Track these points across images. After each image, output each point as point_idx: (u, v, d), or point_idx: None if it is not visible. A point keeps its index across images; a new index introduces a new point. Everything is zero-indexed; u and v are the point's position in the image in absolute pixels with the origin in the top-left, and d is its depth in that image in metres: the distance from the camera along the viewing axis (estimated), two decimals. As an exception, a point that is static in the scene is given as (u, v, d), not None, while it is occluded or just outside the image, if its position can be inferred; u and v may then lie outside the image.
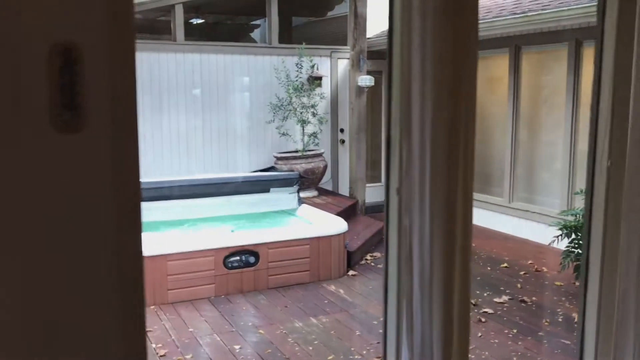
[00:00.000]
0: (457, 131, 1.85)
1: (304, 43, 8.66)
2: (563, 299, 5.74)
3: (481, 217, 8.69)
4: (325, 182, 9.66)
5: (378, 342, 4.85)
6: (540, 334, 5.00)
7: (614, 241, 2.21)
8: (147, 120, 8.54)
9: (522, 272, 6.53)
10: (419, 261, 2.00)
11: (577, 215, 5.71)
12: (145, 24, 10.38)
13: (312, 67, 8.74)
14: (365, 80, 8.37)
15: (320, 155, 8.74)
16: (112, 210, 0.74)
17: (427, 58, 1.38)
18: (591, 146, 1.67)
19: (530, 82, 8.29)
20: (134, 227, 0.77)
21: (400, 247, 1.99)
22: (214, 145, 8.87)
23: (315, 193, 8.68)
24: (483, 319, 5.29)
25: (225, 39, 11.45)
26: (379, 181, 10.57)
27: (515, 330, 5.05)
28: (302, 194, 8.29)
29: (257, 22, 12.49)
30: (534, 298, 5.81)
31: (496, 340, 4.86)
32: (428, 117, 1.84)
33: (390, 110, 1.60)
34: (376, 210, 9.31)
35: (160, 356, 4.61)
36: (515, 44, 8.04)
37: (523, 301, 5.75)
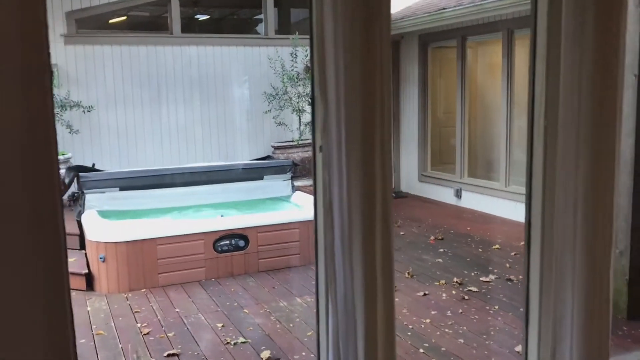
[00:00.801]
0: (373, 91, 1.95)
1: (297, 33, 8.74)
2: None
3: (480, 202, 8.71)
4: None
5: (358, 319, 4.91)
6: (521, 309, 5.01)
7: (551, 199, 2.27)
8: (147, 111, 8.69)
9: (512, 253, 6.53)
10: (338, 214, 2.09)
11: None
12: (149, 20, 10.54)
13: (307, 56, 8.81)
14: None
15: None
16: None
17: (339, 25, 1.52)
18: (530, 110, 1.77)
19: (525, 67, 8.27)
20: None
21: (324, 201, 2.08)
22: (213, 136, 8.99)
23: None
24: (466, 297, 5.32)
25: (230, 33, 11.57)
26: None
27: (497, 307, 5.08)
28: (300, 182, 8.38)
29: (260, 16, 12.62)
30: (520, 277, 5.81)
31: (476, 317, 4.89)
32: (341, 79, 1.94)
33: (313, 74, 1.71)
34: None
35: (144, 334, 4.73)
36: (508, 28, 8.03)
37: (509, 280, 5.77)
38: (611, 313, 2.37)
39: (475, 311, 5.00)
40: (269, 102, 8.39)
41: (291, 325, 4.84)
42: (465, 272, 6.01)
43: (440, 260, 6.46)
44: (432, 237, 7.35)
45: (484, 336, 4.52)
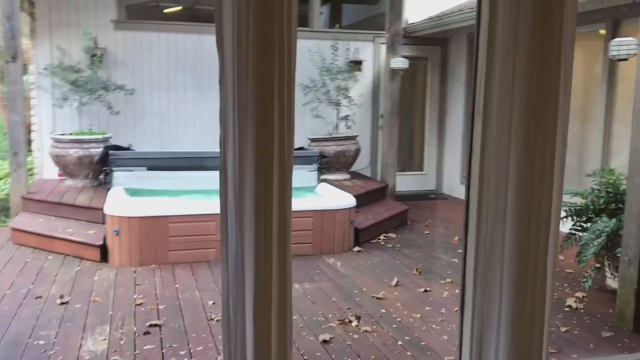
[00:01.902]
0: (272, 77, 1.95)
1: (337, 26, 8.71)
2: (566, 284, 5.44)
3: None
4: (364, 168, 9.64)
5: (348, 308, 4.84)
6: (521, 313, 4.77)
7: (487, 186, 2.22)
8: (188, 97, 8.92)
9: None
10: (232, 171, 2.10)
11: (585, 196, 5.41)
12: (200, 11, 10.83)
13: (347, 50, 8.76)
14: (398, 63, 8.28)
15: (352, 138, 8.73)
16: None
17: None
18: (471, 102, 1.89)
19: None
20: None
21: (220, 158, 2.08)
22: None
23: (346, 176, 8.68)
24: (468, 297, 5.12)
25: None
26: (419, 169, 10.42)
27: (496, 309, 4.86)
28: (332, 176, 8.34)
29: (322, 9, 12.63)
30: (534, 282, 5.54)
31: (470, 315, 4.70)
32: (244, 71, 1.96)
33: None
34: (409, 198, 9.18)
35: (137, 304, 4.85)
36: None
37: (520, 284, 5.50)
38: (549, 293, 2.25)
39: (471, 311, 4.80)
40: (304, 94, 8.39)
41: (279, 308, 4.82)
42: (477, 273, 5.78)
43: (455, 260, 6.26)
44: (457, 238, 7.14)
45: (471, 335, 4.33)
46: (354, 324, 4.49)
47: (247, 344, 2.04)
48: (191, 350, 4.01)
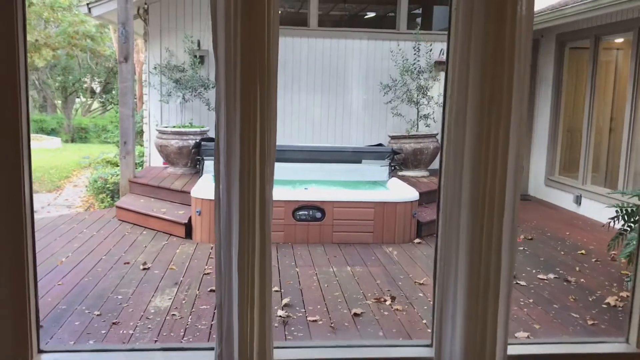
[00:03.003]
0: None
1: (417, 28, 9.04)
2: (615, 283, 5.48)
3: (598, 211, 8.29)
4: (447, 167, 9.87)
5: (388, 290, 5.25)
6: (555, 305, 4.95)
7: (447, 175, 2.71)
8: (279, 95, 9.64)
9: (594, 260, 6.27)
10: (223, 152, 2.66)
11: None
12: (295, 15, 11.53)
13: (430, 51, 9.07)
14: (477, 64, 8.46)
15: (432, 136, 9.03)
16: None
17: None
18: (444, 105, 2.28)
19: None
20: None
21: (215, 141, 2.66)
22: (338, 121, 9.68)
23: (424, 173, 9.00)
24: (507, 288, 5.33)
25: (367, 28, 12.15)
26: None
27: (531, 300, 5.06)
28: (410, 173, 8.71)
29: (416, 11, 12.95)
30: (582, 280, 5.63)
31: (502, 304, 4.93)
32: (232, 71, 2.51)
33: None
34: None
35: (204, 274, 5.56)
36: (639, 27, 7.53)
37: (567, 280, 5.62)
38: (505, 272, 2.64)
39: (506, 300, 5.03)
40: (385, 93, 8.81)
41: (325, 285, 5.33)
42: (529, 269, 5.95)
43: (511, 256, 6.41)
44: (522, 237, 7.25)
45: (495, 320, 4.59)
46: (388, 302, 4.91)
47: (233, 308, 2.59)
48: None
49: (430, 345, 2.85)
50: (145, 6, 9.28)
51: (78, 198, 11.88)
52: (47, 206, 11.05)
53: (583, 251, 6.58)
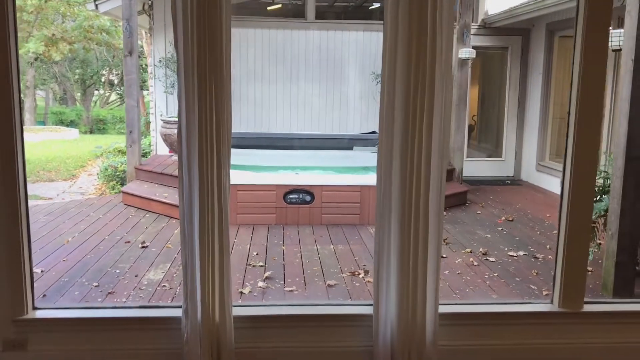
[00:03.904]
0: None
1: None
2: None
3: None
4: (441, 153, 10.22)
5: (364, 265, 5.67)
6: (517, 279, 5.33)
7: (382, 155, 3.10)
8: (279, 86, 10.08)
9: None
10: (185, 135, 3.05)
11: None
12: (296, 8, 11.92)
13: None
14: (465, 53, 8.80)
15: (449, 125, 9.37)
16: None
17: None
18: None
19: None
20: None
21: (177, 125, 3.06)
22: (335, 110, 10.08)
23: (417, 159, 9.37)
24: (476, 264, 5.73)
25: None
26: (498, 156, 10.78)
27: (496, 274, 5.44)
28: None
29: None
30: (550, 256, 5.99)
31: (467, 278, 5.34)
32: (190, 64, 2.93)
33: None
34: (482, 183, 9.68)
35: (197, 251, 6.02)
36: (618, 16, 7.79)
37: (535, 257, 5.99)
38: (433, 244, 3.04)
39: (472, 274, 5.43)
40: (377, 83, 9.19)
41: (307, 261, 5.77)
42: (502, 247, 6.33)
43: (488, 235, 6.80)
44: (503, 218, 7.62)
45: (457, 292, 5.00)
46: (361, 276, 5.33)
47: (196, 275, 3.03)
48: (222, 284, 5.09)
49: (371, 305, 3.29)
50: (150, 2, 9.75)
51: (92, 186, 12.46)
52: (62, 193, 11.63)
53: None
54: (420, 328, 3.12)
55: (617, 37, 5.10)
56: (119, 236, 6.56)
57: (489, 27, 10.13)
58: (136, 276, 5.23)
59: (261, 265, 5.61)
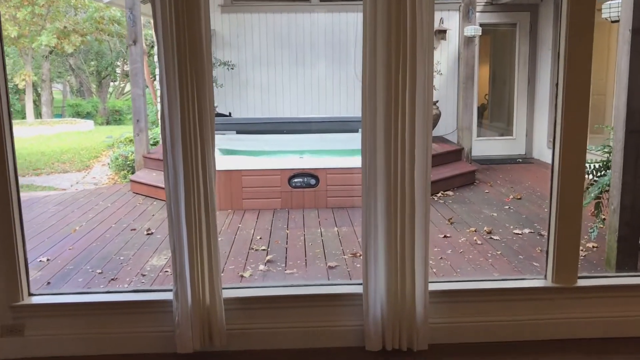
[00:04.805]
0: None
1: None
2: (585, 236, 5.77)
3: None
4: (451, 133, 10.15)
5: (366, 246, 5.65)
6: (520, 256, 5.28)
7: (365, 135, 3.11)
8: (285, 70, 10.05)
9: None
10: (167, 120, 3.09)
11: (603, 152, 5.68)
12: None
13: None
14: (471, 30, 8.68)
15: (432, 104, 9.29)
16: None
17: None
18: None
19: None
20: None
21: (160, 111, 3.09)
22: (342, 93, 10.04)
23: (425, 140, 9.30)
24: (480, 242, 5.69)
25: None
26: (509, 134, 10.66)
27: (499, 252, 5.40)
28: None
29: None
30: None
31: (469, 256, 5.31)
32: (169, 50, 2.95)
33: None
34: (493, 162, 9.61)
35: (201, 237, 6.06)
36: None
37: (540, 234, 5.93)
38: (420, 219, 3.04)
39: (475, 253, 5.40)
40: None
41: (310, 244, 5.78)
42: (507, 225, 6.28)
43: (495, 214, 6.75)
44: (511, 197, 7.54)
45: (458, 270, 4.97)
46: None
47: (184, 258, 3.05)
48: (224, 268, 5.13)
49: (361, 284, 3.29)
50: (153, -10, 9.74)
51: (105, 176, 12.58)
52: (75, 184, 11.76)
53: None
54: (409, 306, 3.12)
55: (615, 8, 4.99)
56: (125, 224, 6.62)
57: (497, 4, 9.97)
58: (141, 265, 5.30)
59: (264, 249, 5.63)
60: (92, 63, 26.87)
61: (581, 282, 3.36)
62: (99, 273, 5.05)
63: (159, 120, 2.77)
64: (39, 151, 14.74)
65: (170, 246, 3.09)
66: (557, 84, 3.41)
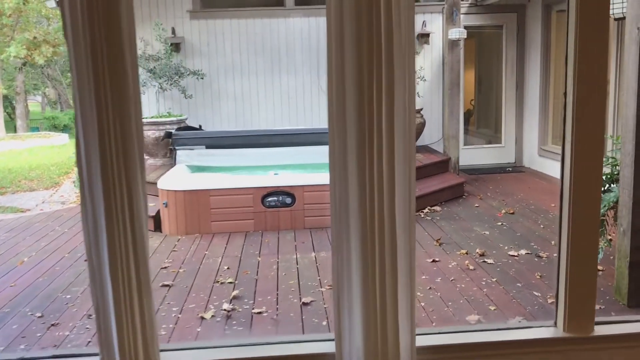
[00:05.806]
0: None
1: None
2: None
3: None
4: (436, 142, 9.60)
5: (346, 275, 5.04)
6: (518, 284, 4.71)
7: (333, 148, 2.49)
8: (260, 79, 9.45)
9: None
10: (80, 128, 2.43)
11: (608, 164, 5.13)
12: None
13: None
14: (455, 33, 8.14)
15: (416, 112, 8.74)
16: None
17: None
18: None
19: None
20: None
21: (75, 116, 2.43)
22: (322, 103, 9.45)
23: (410, 150, 8.73)
24: (472, 267, 5.12)
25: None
26: (497, 142, 10.13)
27: (495, 279, 4.83)
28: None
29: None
30: (555, 254, 5.36)
31: (461, 285, 4.72)
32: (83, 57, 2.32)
33: None
34: (482, 172, 9.06)
35: (162, 267, 5.44)
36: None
37: (539, 256, 5.37)
38: (404, 243, 2.43)
39: (467, 281, 4.81)
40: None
41: (283, 274, 5.16)
42: (501, 245, 5.71)
43: (487, 232, 6.18)
44: (503, 211, 6.98)
45: (449, 303, 4.38)
46: (341, 289, 4.71)
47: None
48: (183, 307, 4.50)
49: (333, 340, 2.66)
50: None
51: (74, 194, 11.88)
52: (41, 203, 11.06)
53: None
54: (392, 370, 2.51)
55: (619, 4, 4.44)
56: (80, 253, 5.97)
57: (481, 5, 9.45)
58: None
59: (230, 282, 5.01)
60: (69, 74, 26.17)
61: (599, 330, 2.77)
62: (39, 317, 4.40)
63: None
64: (7, 168, 14.03)
65: (93, 305, 2.46)
66: (564, 93, 2.82)
